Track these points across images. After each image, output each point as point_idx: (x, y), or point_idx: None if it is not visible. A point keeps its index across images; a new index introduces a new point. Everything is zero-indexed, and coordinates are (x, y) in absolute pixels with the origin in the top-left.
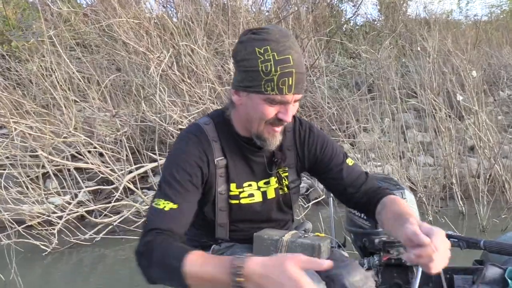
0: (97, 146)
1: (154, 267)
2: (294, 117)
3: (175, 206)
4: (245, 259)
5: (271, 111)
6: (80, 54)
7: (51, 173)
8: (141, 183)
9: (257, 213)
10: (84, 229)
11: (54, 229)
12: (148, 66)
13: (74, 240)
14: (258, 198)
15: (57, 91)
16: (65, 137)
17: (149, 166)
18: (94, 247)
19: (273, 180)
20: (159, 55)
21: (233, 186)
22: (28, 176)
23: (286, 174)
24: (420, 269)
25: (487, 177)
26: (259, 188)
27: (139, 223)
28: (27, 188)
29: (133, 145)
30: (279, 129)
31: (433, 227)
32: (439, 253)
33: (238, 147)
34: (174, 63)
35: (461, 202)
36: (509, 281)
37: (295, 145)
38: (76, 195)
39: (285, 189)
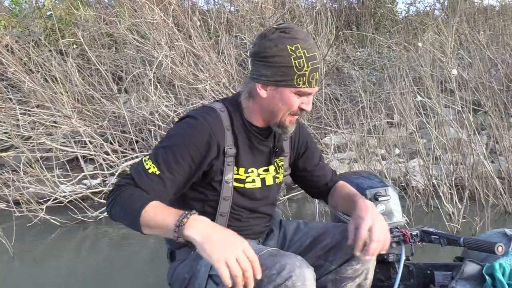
0: (95, 136)
1: (118, 206)
2: None
3: (157, 173)
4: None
5: (297, 102)
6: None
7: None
8: None
9: (255, 200)
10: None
11: (45, 204)
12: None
13: (80, 217)
14: (258, 184)
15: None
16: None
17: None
18: (98, 224)
19: (271, 168)
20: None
21: (241, 170)
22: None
23: (282, 163)
24: (402, 265)
25: (452, 179)
26: (259, 175)
27: None
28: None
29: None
30: (296, 117)
31: (369, 212)
32: (375, 242)
33: (247, 135)
34: (186, 57)
35: (445, 203)
36: (487, 277)
37: (290, 136)
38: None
39: (281, 177)
